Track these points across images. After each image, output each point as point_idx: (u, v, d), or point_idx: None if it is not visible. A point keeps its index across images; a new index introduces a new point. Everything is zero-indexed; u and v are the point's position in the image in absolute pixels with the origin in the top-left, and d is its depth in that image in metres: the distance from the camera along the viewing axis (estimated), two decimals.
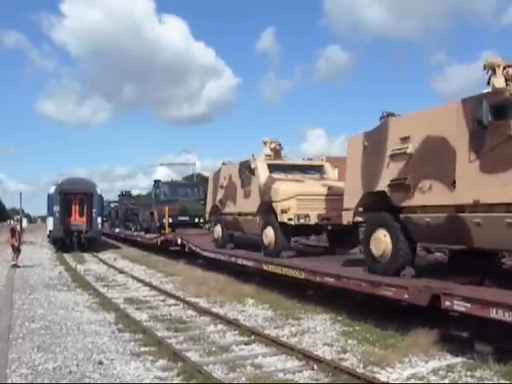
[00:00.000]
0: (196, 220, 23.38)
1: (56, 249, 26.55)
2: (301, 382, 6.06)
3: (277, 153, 14.22)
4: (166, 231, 21.73)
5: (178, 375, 6.27)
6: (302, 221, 11.69)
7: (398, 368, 6.38)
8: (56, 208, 25.61)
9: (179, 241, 18.71)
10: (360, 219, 9.93)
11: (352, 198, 9.61)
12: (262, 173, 12.99)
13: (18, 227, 23.17)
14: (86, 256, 23.74)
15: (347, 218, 9.83)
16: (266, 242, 12.32)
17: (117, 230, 34.54)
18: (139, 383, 6.07)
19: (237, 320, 9.17)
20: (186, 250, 17.81)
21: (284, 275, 10.80)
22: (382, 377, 6.05)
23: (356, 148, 9.63)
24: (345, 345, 7.50)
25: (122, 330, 8.67)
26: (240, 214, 13.96)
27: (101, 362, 6.77)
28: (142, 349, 7.50)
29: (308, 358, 6.74)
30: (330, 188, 12.05)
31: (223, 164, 15.60)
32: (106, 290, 13.16)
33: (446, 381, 5.91)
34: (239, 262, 13.09)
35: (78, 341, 7.94)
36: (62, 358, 7.01)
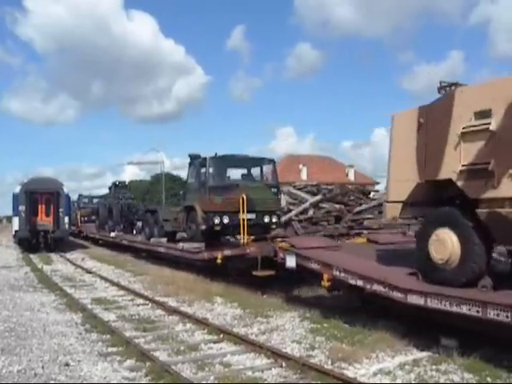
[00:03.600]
0: (266, 219, 13.91)
1: (22, 249, 25.98)
2: (269, 379, 6.08)
3: None
4: (244, 240, 12.68)
5: (146, 375, 6.22)
6: None
7: (366, 363, 6.46)
8: (21, 208, 25.06)
9: (291, 262, 9.78)
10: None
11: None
12: None
13: None
14: (53, 256, 23.30)
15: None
16: None
17: (113, 234, 24.82)
18: None
19: (205, 319, 9.15)
20: (325, 285, 8.79)
21: None
22: (350, 373, 6.11)
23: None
24: (313, 342, 7.56)
25: (90, 331, 8.55)
26: None
27: (67, 364, 6.66)
28: (110, 349, 7.41)
29: (276, 355, 6.76)
30: None
31: (454, 86, 7.13)
32: (74, 291, 12.95)
33: (412, 375, 6.01)
34: None
35: (44, 342, 7.80)
36: (27, 360, 6.85)
